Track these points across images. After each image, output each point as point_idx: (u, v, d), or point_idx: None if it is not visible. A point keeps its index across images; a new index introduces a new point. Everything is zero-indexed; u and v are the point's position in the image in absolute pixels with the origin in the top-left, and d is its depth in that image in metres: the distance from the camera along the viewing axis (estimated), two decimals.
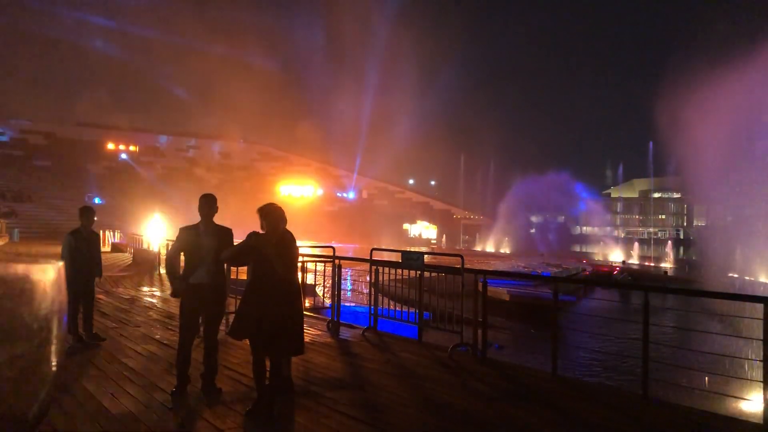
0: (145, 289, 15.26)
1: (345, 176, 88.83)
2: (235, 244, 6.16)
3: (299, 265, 6.88)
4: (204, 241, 6.10)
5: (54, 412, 5.11)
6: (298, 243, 6.17)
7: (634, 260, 56.37)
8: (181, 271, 6.21)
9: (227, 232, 6.29)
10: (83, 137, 75.90)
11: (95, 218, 8.77)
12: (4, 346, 0.67)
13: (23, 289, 0.68)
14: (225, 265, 6.47)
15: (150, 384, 6.33)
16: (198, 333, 6.36)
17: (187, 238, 6.16)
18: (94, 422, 5.05)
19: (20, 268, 0.69)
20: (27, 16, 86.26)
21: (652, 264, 53.16)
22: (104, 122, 79.61)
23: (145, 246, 24.75)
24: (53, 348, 0.69)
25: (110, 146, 78.67)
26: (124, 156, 78.76)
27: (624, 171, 72.16)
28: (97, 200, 61.67)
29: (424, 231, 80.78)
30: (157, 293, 14.34)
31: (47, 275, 0.70)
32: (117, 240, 33.91)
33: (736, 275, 28.11)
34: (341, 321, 10.05)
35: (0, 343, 0.66)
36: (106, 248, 32.67)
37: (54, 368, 0.69)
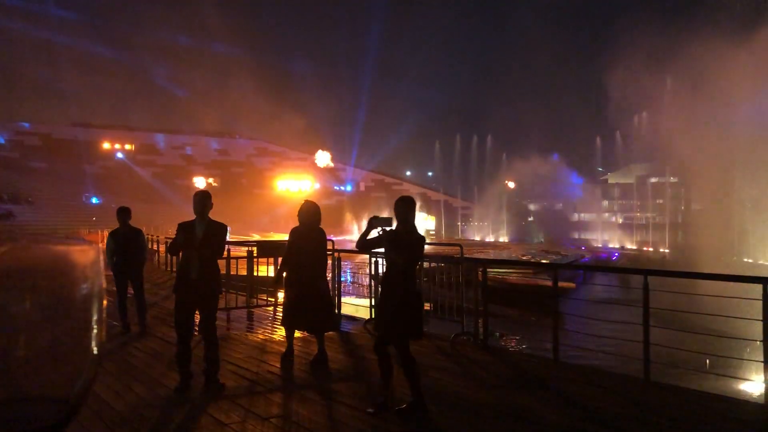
0: (145, 286, 15.21)
1: (341, 169, 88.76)
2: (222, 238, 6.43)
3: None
4: (198, 237, 6.12)
5: None
6: None
7: (632, 245, 56.48)
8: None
9: (221, 229, 6.31)
10: (79, 137, 75.64)
11: (129, 217, 9.40)
12: (46, 328, 0.67)
13: (63, 270, 0.68)
14: (218, 260, 6.53)
15: (153, 381, 6.35)
16: (195, 329, 6.38)
17: (184, 234, 6.20)
18: (99, 419, 5.07)
19: (59, 249, 0.69)
20: (17, 17, 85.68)
21: (651, 249, 53.25)
22: (100, 122, 79.31)
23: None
24: (94, 330, 0.69)
25: (106, 146, 78.33)
26: (120, 155, 78.53)
27: (621, 156, 72.16)
28: (94, 200, 61.60)
29: (422, 222, 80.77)
30: (157, 291, 14.32)
31: (87, 256, 0.70)
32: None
33: (734, 258, 28.17)
34: (342, 314, 10.07)
35: (43, 324, 0.67)
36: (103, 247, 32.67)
37: (95, 350, 0.69)
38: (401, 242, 5.39)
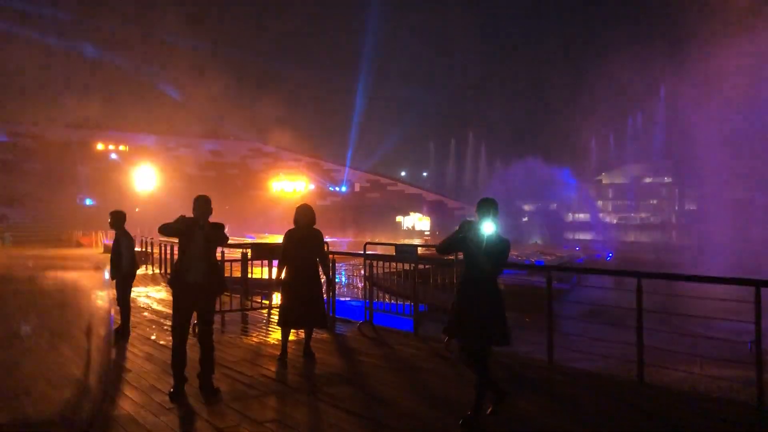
0: (139, 289, 15.19)
1: (336, 170, 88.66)
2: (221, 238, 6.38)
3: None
4: (197, 240, 6.09)
5: None
6: None
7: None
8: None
9: (219, 228, 6.29)
10: (72, 139, 75.31)
11: (123, 219, 9.14)
12: (54, 347, 0.67)
13: (74, 290, 0.68)
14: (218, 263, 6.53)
15: (147, 385, 6.33)
16: (192, 332, 6.36)
17: (185, 229, 6.08)
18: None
19: (69, 275, 0.70)
20: (10, 17, 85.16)
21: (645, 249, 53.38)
22: (93, 123, 79.05)
23: (138, 248, 24.66)
24: (102, 348, 0.70)
25: (100, 147, 78.11)
26: (114, 156, 78.25)
27: (616, 156, 72.53)
28: (88, 201, 61.42)
29: (417, 223, 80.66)
30: (152, 294, 14.30)
31: (94, 279, 0.70)
32: (109, 241, 33.81)
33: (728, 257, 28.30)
34: (336, 316, 10.07)
35: (51, 345, 0.67)
36: (98, 249, 32.57)
37: (104, 369, 0.70)
38: (489, 246, 5.21)
